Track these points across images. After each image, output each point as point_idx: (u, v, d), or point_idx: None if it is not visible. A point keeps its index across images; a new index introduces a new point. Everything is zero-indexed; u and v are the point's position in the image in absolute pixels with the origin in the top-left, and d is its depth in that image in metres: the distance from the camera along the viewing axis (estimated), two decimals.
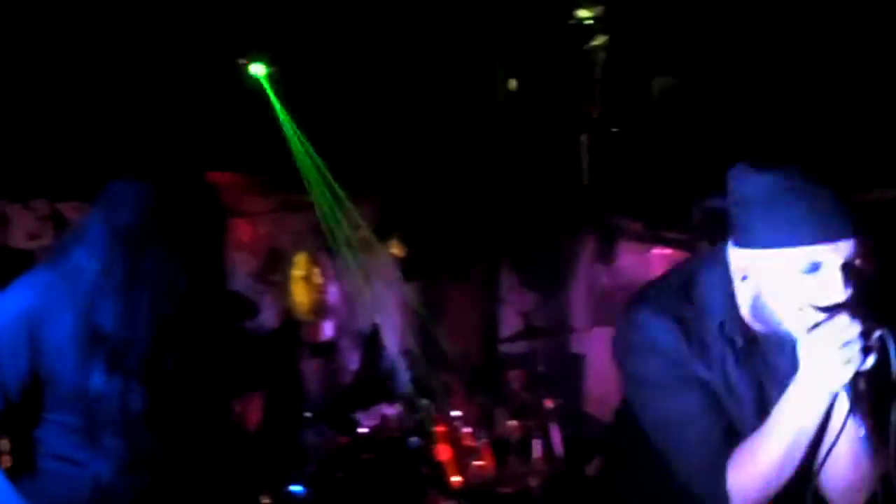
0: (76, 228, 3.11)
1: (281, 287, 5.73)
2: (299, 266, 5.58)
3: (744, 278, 2.39)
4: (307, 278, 5.54)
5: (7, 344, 2.91)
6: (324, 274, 5.54)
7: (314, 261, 5.56)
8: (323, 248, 5.86)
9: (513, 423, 6.21)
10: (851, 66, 5.61)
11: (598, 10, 6.52)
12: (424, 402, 5.56)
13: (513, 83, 7.16)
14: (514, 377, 6.43)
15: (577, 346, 7.86)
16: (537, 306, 7.77)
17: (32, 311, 2.93)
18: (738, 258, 2.39)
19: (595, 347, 7.85)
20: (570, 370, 7.71)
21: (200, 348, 3.11)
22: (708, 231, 6.32)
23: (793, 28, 5.67)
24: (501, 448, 6.14)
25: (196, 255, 3.01)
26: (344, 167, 7.38)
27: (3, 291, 3.01)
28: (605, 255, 7.77)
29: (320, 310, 5.55)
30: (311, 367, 5.55)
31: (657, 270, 7.74)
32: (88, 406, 2.92)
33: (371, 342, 5.70)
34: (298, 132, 6.81)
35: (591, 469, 5.95)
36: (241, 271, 7.31)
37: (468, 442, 5.54)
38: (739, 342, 2.46)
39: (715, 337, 2.47)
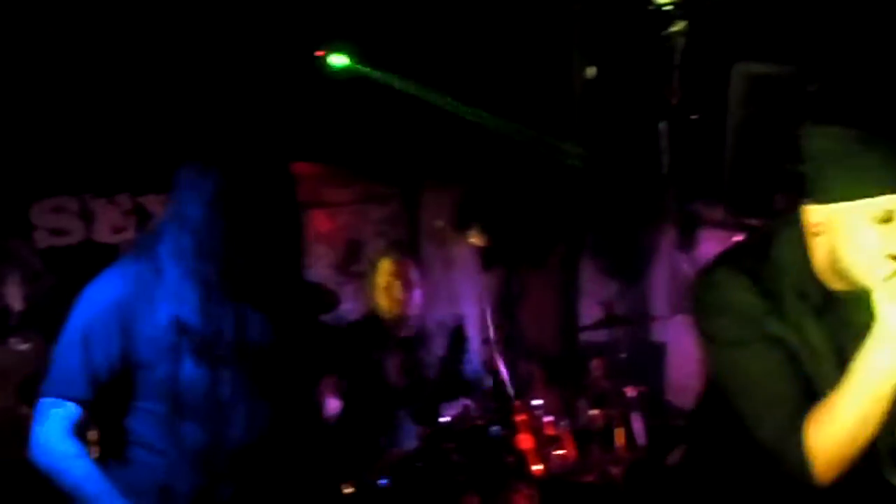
0: (157, 222, 3.15)
1: (362, 278, 5.75)
2: (382, 274, 5.59)
3: (818, 235, 2.41)
4: (388, 288, 5.57)
5: (99, 332, 2.95)
6: (407, 281, 5.56)
7: (397, 270, 5.57)
8: (405, 248, 5.89)
9: (594, 411, 6.19)
10: None
11: None
12: (504, 392, 5.55)
13: (591, 71, 7.11)
14: (595, 366, 6.40)
15: (658, 335, 7.81)
16: (618, 294, 7.74)
17: (123, 301, 2.97)
18: (813, 215, 2.40)
19: (676, 336, 7.79)
20: (651, 358, 7.67)
21: (283, 336, 3.14)
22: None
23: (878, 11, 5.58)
24: (583, 437, 6.12)
25: (269, 241, 3.02)
26: (423, 157, 7.41)
27: (92, 282, 3.05)
28: (686, 242, 7.70)
29: (406, 309, 5.57)
30: (393, 361, 5.57)
31: None
32: (176, 394, 2.96)
33: (455, 335, 5.71)
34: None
35: (674, 458, 5.92)
36: (321, 262, 7.37)
37: (549, 431, 5.53)
38: (816, 299, 2.46)
39: (791, 295, 2.47)
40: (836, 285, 2.44)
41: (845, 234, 2.34)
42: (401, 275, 5.57)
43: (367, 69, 6.71)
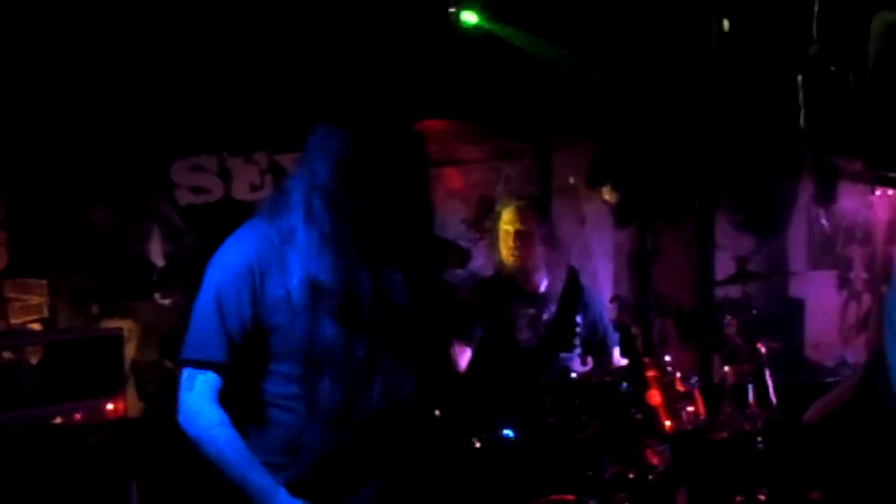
0: (287, 181, 3.19)
1: (492, 237, 5.76)
2: (502, 223, 5.57)
3: None
4: (505, 238, 5.54)
5: (232, 296, 2.99)
6: (524, 231, 5.51)
7: (515, 219, 5.53)
8: (530, 199, 5.85)
9: (727, 368, 6.15)
10: None
11: None
12: (634, 347, 5.53)
13: (726, 23, 7.01)
14: (729, 322, 6.33)
15: (795, 290, 7.71)
16: (753, 250, 7.65)
17: (255, 263, 2.99)
18: None
19: (814, 291, 7.70)
20: (788, 314, 7.58)
21: (418, 293, 3.15)
22: None
23: None
24: (715, 393, 6.09)
25: (399, 201, 3.04)
26: (555, 114, 7.40)
27: (224, 244, 3.12)
28: (825, 197, 7.59)
29: (529, 262, 5.54)
30: (524, 316, 5.57)
31: (879, 212, 7.54)
32: (313, 355, 3.00)
33: (569, 288, 5.65)
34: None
35: (809, 415, 5.85)
36: (454, 219, 7.42)
37: (680, 387, 5.48)
38: None
39: None
40: None
41: None
42: (519, 222, 5.53)
43: (497, 26, 6.71)
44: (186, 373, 3.04)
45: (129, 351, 6.40)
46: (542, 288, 5.55)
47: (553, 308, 5.52)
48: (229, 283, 3.00)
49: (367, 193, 2.99)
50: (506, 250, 5.52)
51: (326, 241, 2.98)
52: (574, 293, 5.61)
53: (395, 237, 3.06)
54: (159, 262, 6.82)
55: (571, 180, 7.51)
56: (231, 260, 3.04)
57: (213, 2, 6.31)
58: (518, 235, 5.48)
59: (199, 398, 3.00)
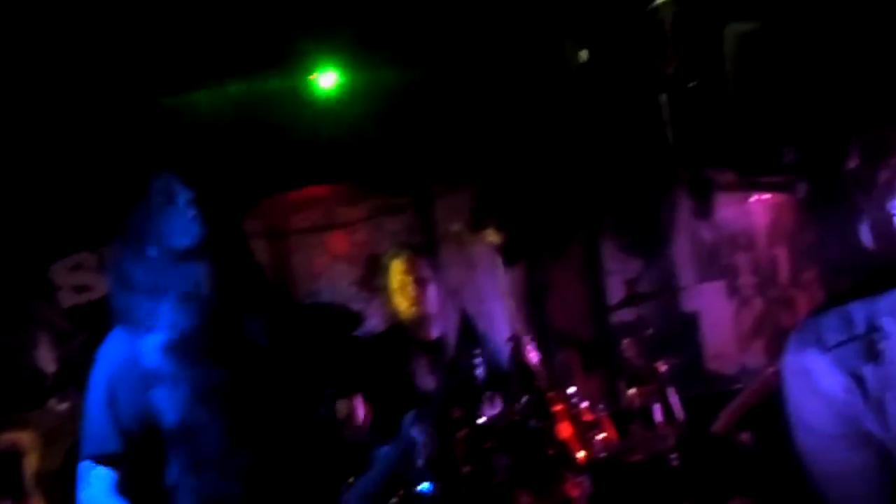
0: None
1: (383, 292, 5.76)
2: (394, 274, 5.60)
3: None
4: (402, 287, 5.56)
5: (120, 387, 3.01)
6: (419, 278, 5.55)
7: (408, 268, 5.56)
8: (417, 249, 5.89)
9: (632, 391, 6.20)
10: None
11: None
12: (538, 384, 5.55)
13: (584, 54, 7.11)
14: (627, 345, 6.40)
15: (688, 304, 7.81)
16: (642, 271, 7.73)
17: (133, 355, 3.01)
18: None
19: (706, 303, 7.80)
20: (684, 329, 7.67)
21: (277, 367, 3.15)
22: (803, 170, 6.23)
23: None
24: (625, 418, 6.13)
25: (235, 276, 3.04)
26: (430, 163, 7.44)
27: (105, 338, 3.09)
28: (704, 209, 7.70)
29: (426, 310, 5.56)
30: (422, 366, 5.58)
31: (758, 217, 7.67)
32: (185, 437, 2.99)
33: (464, 333, 5.68)
34: None
35: (717, 426, 5.92)
36: (343, 282, 7.41)
37: (588, 416, 5.52)
38: None
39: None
40: None
41: None
42: (412, 271, 5.57)
43: (357, 80, 6.74)
44: (83, 469, 3.01)
45: (32, 462, 6.26)
46: (437, 334, 5.57)
47: (450, 354, 5.54)
48: (116, 375, 2.99)
49: (202, 275, 2.99)
50: (404, 300, 5.54)
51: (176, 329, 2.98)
52: (469, 337, 5.64)
53: (240, 312, 3.06)
54: (50, 367, 6.69)
55: (455, 227, 7.54)
56: (113, 352, 3.03)
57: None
58: (414, 283, 5.51)
59: (97, 493, 2.98)
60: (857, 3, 5.50)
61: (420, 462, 4.93)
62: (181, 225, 3.02)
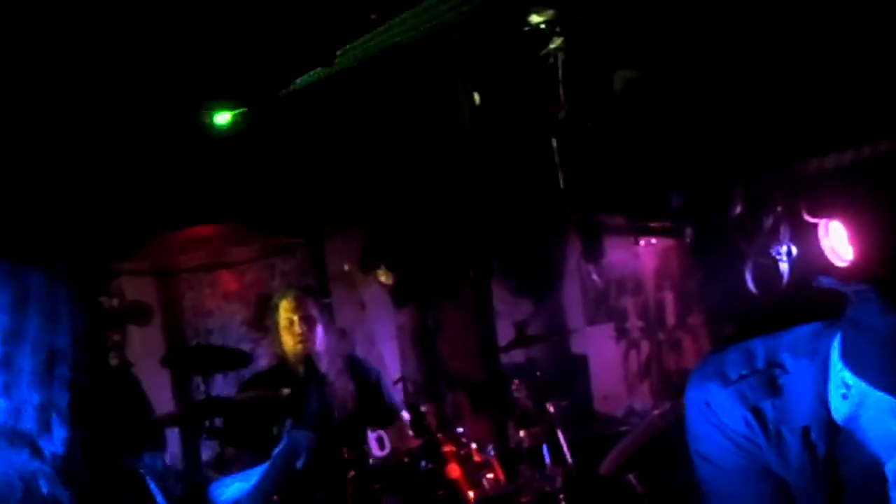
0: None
1: (272, 331, 5.75)
2: (282, 312, 5.59)
3: (844, 396, 2.20)
4: (289, 326, 5.56)
5: None
6: (306, 316, 5.55)
7: (295, 307, 5.56)
8: (306, 289, 5.89)
9: (521, 432, 6.24)
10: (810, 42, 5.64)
11: (550, 13, 6.54)
12: (428, 425, 5.56)
13: (477, 97, 7.17)
14: (517, 387, 6.43)
15: (577, 347, 7.88)
16: (532, 313, 7.80)
17: None
18: (844, 374, 2.19)
19: (594, 345, 7.88)
20: (573, 371, 7.74)
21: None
22: (689, 215, 6.34)
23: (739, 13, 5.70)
24: (513, 458, 6.16)
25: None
26: (322, 205, 7.43)
27: None
28: (593, 253, 7.79)
29: (313, 348, 5.55)
30: (307, 401, 5.56)
31: (646, 261, 7.79)
32: None
33: (354, 374, 5.69)
34: None
35: (605, 467, 5.96)
36: (234, 321, 7.36)
37: (477, 457, 5.54)
38: (821, 450, 2.28)
39: (797, 438, 2.30)
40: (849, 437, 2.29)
41: (873, 414, 2.15)
42: (299, 310, 5.57)
43: (250, 119, 6.70)
44: None
45: None
46: (322, 372, 5.56)
47: (337, 392, 5.55)
48: None
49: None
50: (290, 339, 5.53)
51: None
52: (359, 378, 5.66)
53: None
54: None
55: (346, 267, 7.54)
56: None
57: None
58: (301, 322, 5.51)
59: None
60: (742, 51, 5.63)
61: (301, 462, 4.93)
62: None
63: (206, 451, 6.19)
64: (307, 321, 5.55)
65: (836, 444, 2.29)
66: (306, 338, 5.52)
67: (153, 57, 5.89)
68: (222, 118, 6.68)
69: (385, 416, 5.64)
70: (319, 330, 5.57)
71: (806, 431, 2.28)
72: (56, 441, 2.77)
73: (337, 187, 7.30)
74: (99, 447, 2.83)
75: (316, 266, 7.71)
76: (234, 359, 5.71)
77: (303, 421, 5.08)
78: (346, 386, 5.60)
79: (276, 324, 5.62)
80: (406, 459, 5.38)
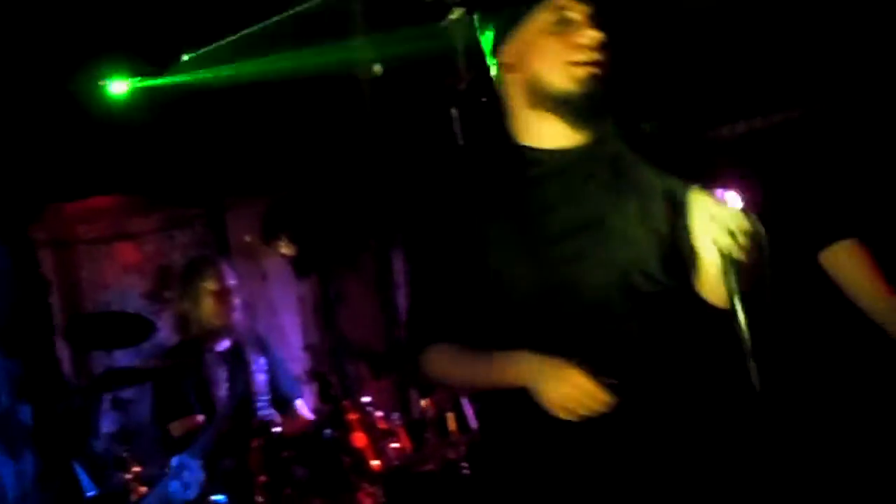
0: None
1: (179, 302, 5.71)
2: (203, 283, 5.56)
3: (513, 73, 2.51)
4: (207, 297, 5.53)
5: None
6: (225, 288, 5.54)
7: (216, 277, 5.55)
8: (223, 259, 5.87)
9: (425, 401, 6.25)
10: None
11: None
12: (332, 394, 5.57)
13: (377, 68, 7.16)
14: None
15: None
16: None
17: None
18: (505, 56, 2.53)
19: None
20: None
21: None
22: None
23: None
24: (418, 427, 6.18)
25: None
26: (222, 175, 7.37)
27: None
28: None
29: (224, 322, 5.54)
30: (220, 376, 5.55)
31: None
32: None
33: (255, 344, 5.69)
34: None
35: None
36: (133, 293, 7.28)
37: (382, 425, 5.57)
38: (513, 183, 2.58)
39: (484, 185, 2.58)
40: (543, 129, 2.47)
41: (533, 55, 2.41)
42: (220, 281, 5.57)
43: (148, 88, 6.64)
44: None
45: None
46: (229, 345, 5.56)
47: (251, 366, 5.54)
48: None
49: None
50: (208, 310, 5.51)
51: None
52: (260, 348, 5.67)
53: None
54: None
55: (247, 238, 7.49)
56: None
57: None
58: (220, 293, 5.51)
59: None
60: (644, 19, 5.69)
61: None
62: None
63: (109, 424, 6.12)
64: (225, 292, 5.55)
65: None
66: (224, 310, 5.51)
67: (50, 22, 5.81)
68: (119, 87, 6.61)
69: (288, 388, 5.67)
70: (238, 301, 5.57)
71: None
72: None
73: (238, 158, 7.25)
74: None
75: (217, 237, 7.66)
76: (138, 326, 5.64)
77: (196, 447, 5.08)
78: (256, 359, 5.61)
79: (195, 294, 5.59)
80: (311, 428, 5.39)
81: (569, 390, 2.23)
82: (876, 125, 2.99)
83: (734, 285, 2.19)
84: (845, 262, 3.10)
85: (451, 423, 6.12)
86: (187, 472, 4.96)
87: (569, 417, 2.24)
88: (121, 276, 7.43)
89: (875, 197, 2.97)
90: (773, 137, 5.82)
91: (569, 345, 2.33)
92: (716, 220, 2.18)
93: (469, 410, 6.11)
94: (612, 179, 2.41)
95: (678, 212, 2.39)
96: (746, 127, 5.76)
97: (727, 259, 2.19)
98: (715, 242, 2.19)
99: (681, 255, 2.41)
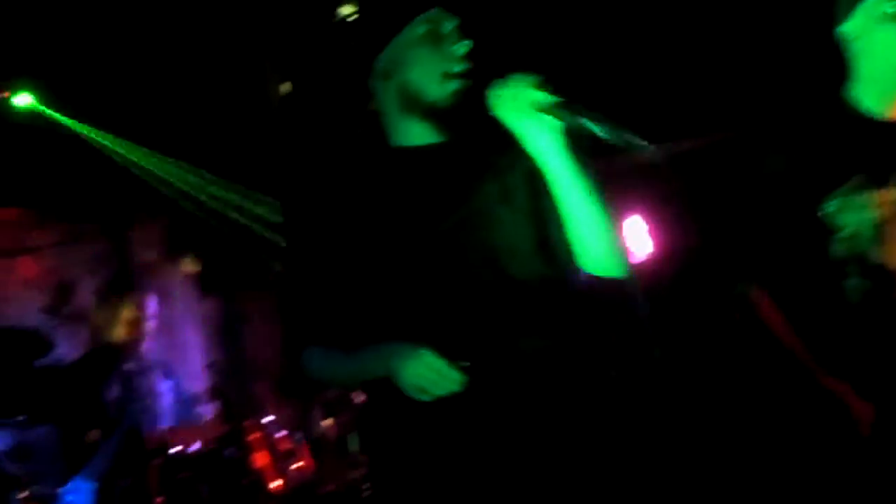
0: None
1: (76, 320, 5.63)
2: (130, 306, 5.50)
3: (388, 78, 2.52)
4: (120, 313, 5.46)
5: None
6: (140, 305, 5.48)
7: (142, 303, 5.49)
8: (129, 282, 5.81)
9: (327, 421, 6.24)
10: None
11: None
12: (233, 413, 5.54)
13: (286, 86, 7.16)
14: None
15: None
16: None
17: None
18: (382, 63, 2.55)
19: None
20: None
21: None
22: None
23: None
24: (319, 447, 6.16)
25: None
26: (128, 191, 7.30)
27: None
28: None
29: (138, 345, 5.48)
30: (122, 395, 5.48)
31: None
32: None
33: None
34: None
35: None
36: (32, 307, 7.16)
37: (284, 445, 5.54)
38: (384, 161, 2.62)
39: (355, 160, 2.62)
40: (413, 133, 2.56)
41: (407, 64, 2.49)
42: (133, 299, 5.50)
43: (52, 111, 6.57)
44: None
45: None
46: (134, 366, 5.50)
47: (153, 385, 5.49)
48: None
49: None
50: (123, 332, 5.46)
51: None
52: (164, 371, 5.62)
53: None
54: None
55: (151, 255, 7.42)
56: None
57: None
58: (138, 321, 5.46)
59: None
60: (560, 42, 5.74)
61: None
62: None
63: (3, 442, 6.01)
64: (145, 320, 5.51)
65: None
66: (141, 335, 5.47)
67: None
68: (23, 100, 6.53)
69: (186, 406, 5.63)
70: (152, 327, 5.53)
71: None
72: None
73: (142, 174, 7.18)
74: None
75: (119, 253, 7.57)
76: (34, 344, 5.55)
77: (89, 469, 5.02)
78: (161, 381, 5.57)
79: (112, 314, 5.52)
80: (212, 447, 5.34)
81: (421, 371, 2.33)
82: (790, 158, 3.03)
83: None
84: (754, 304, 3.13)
85: (353, 443, 6.12)
86: (73, 495, 4.90)
87: (423, 397, 2.35)
88: (20, 291, 7.31)
89: (781, 240, 3.01)
90: (686, 163, 5.91)
91: (444, 328, 2.44)
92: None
93: None
94: (476, 168, 2.53)
95: (538, 189, 2.51)
96: (662, 151, 5.83)
97: None
98: None
99: (547, 231, 2.53)
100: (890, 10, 2.83)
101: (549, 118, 2.32)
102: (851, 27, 2.93)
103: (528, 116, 2.34)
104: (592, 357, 2.53)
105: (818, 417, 2.85)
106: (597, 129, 2.24)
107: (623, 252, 2.46)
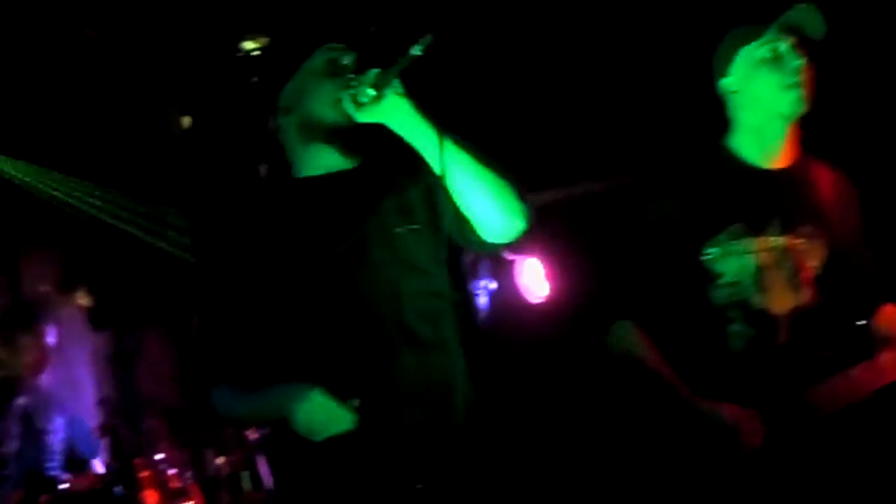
0: None
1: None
2: (31, 335, 5.42)
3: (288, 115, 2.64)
4: (35, 348, 5.39)
5: None
6: (47, 345, 5.41)
7: (42, 333, 5.42)
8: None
9: (220, 459, 6.17)
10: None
11: (264, 40, 6.55)
12: (124, 451, 5.47)
13: (187, 120, 7.12)
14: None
15: None
16: None
17: None
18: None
19: None
20: None
21: None
22: None
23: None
24: (212, 485, 6.09)
25: None
26: (20, 220, 7.19)
27: None
28: None
29: (35, 378, 5.40)
30: (13, 432, 5.38)
31: None
32: None
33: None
34: None
35: None
36: None
37: (175, 484, 5.47)
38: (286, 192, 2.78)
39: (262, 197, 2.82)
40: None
41: (308, 96, 2.60)
42: (41, 331, 5.44)
43: None
44: None
45: None
46: (26, 402, 5.42)
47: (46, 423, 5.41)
48: None
49: None
50: (21, 362, 5.39)
51: None
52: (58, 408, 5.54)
53: None
54: None
55: (43, 287, 7.29)
56: None
57: None
58: (38, 350, 5.39)
59: None
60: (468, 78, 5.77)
61: None
62: None
63: None
64: (45, 351, 5.44)
65: None
66: (40, 368, 5.40)
67: None
68: None
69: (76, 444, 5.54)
70: (50, 361, 5.46)
71: None
72: None
73: (35, 205, 7.07)
74: None
75: (10, 285, 7.42)
76: None
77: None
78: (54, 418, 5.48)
79: (12, 342, 5.44)
80: (100, 485, 5.26)
81: (312, 414, 2.29)
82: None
83: None
84: (625, 340, 3.15)
85: (246, 481, 6.06)
86: None
87: (315, 439, 2.35)
88: None
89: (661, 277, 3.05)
90: (580, 206, 5.97)
91: (337, 363, 2.45)
92: None
93: (264, 469, 6.06)
94: (378, 189, 2.56)
95: (435, 200, 2.55)
96: (553, 196, 5.88)
97: None
98: None
99: (444, 240, 2.56)
100: (767, 55, 2.91)
101: (395, 97, 2.40)
102: (731, 79, 3.01)
103: (382, 106, 2.41)
104: (485, 380, 2.55)
105: (695, 441, 2.89)
106: (416, 51, 2.34)
107: (518, 209, 2.50)
